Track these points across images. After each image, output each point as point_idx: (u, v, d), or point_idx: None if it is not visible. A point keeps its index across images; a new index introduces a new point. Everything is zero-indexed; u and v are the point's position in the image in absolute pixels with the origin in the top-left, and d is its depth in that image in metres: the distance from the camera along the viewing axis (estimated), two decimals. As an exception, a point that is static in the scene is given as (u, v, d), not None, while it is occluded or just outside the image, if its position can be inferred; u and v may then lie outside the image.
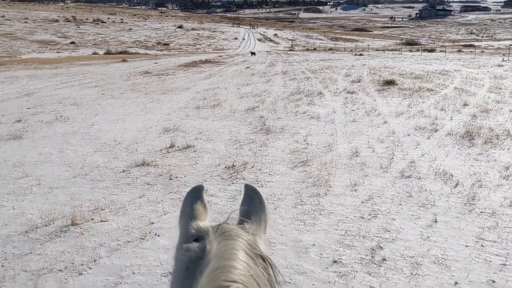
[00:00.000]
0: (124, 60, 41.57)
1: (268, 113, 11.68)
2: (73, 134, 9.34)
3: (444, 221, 4.92)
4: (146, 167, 6.96)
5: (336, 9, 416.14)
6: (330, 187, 6.03)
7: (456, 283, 3.73)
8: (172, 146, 8.17)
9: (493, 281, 3.74)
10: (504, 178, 6.35)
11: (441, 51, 64.46)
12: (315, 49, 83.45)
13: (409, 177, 6.42)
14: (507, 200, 5.51)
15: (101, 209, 5.27)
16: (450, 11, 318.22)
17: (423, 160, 7.23)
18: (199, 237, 0.95)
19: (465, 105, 12.56)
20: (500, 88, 16.39)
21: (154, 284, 3.74)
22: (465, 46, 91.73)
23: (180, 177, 6.47)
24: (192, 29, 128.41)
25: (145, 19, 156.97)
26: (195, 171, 6.73)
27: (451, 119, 10.60)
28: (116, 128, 9.92)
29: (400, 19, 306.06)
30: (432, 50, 65.91)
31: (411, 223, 4.87)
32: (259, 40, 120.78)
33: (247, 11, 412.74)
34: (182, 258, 0.90)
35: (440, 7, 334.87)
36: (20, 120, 10.98)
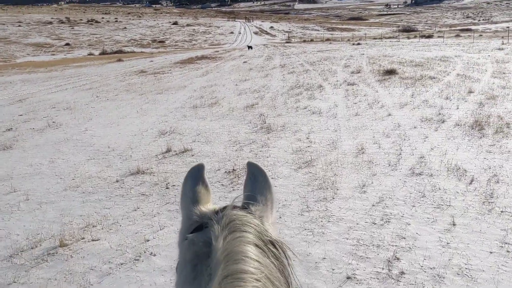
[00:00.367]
0: (119, 60, 41.10)
1: (268, 110, 11.29)
2: (65, 142, 8.96)
3: (463, 223, 4.54)
4: (141, 175, 6.58)
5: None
6: (337, 189, 5.66)
7: (484, 298, 3.36)
8: (168, 150, 7.78)
9: (526, 294, 3.38)
10: (521, 171, 5.97)
11: (439, 36, 63.91)
12: (312, 40, 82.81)
13: (420, 174, 6.04)
14: (528, 196, 5.14)
15: (93, 226, 4.90)
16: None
17: (433, 155, 6.84)
18: (203, 224, 0.89)
19: (470, 92, 12.16)
20: (504, 73, 15.98)
21: (150, 313, 3.38)
22: (462, 30, 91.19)
23: (178, 185, 6.09)
24: (187, 25, 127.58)
25: (140, 17, 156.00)
26: (193, 178, 6.35)
27: (458, 108, 10.21)
28: (110, 133, 9.54)
29: (396, 6, 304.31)
30: (430, 36, 65.37)
31: (427, 227, 4.50)
32: (255, 33, 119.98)
33: (242, 4, 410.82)
34: (188, 253, 0.85)
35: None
36: (11, 128, 10.59)
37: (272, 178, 6.03)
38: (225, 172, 6.54)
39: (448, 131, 8.25)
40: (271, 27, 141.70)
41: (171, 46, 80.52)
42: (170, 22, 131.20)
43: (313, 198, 5.41)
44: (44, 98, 16.02)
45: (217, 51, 53.70)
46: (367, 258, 3.98)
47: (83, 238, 4.60)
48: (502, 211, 4.78)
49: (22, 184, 6.44)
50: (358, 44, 50.76)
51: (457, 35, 66.36)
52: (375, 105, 11.08)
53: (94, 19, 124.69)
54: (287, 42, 79.73)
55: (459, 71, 17.34)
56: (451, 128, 8.46)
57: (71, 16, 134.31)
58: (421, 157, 6.75)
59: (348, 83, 15.42)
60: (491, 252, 3.96)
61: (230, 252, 0.76)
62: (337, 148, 7.53)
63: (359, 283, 3.61)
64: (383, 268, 3.79)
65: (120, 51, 63.73)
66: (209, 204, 1.03)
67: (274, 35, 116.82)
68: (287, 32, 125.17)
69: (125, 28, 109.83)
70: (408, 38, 67.28)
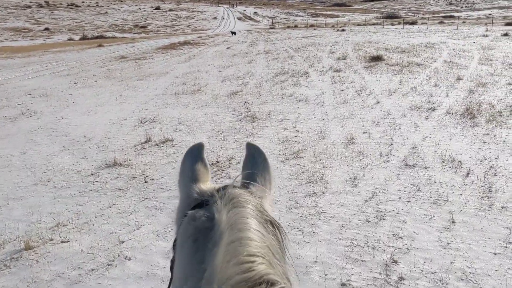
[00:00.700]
0: (100, 45, 40.14)
1: (253, 97, 10.89)
2: (39, 131, 8.46)
3: (463, 221, 4.24)
4: (118, 167, 6.15)
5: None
6: (327, 183, 5.32)
7: (492, 307, 3.06)
8: (148, 140, 7.35)
9: (537, 302, 3.09)
10: (518, 163, 5.71)
11: (422, 23, 63.91)
12: (296, 26, 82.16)
13: (413, 166, 5.73)
14: (529, 190, 4.86)
15: (63, 225, 4.48)
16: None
17: (425, 145, 6.55)
18: (203, 201, 0.88)
19: (459, 79, 11.91)
20: (491, 60, 15.80)
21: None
22: (445, 17, 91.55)
23: (157, 178, 5.69)
24: (170, 10, 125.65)
25: (121, 1, 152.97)
26: (174, 171, 5.95)
27: (447, 95, 9.94)
28: (87, 122, 9.05)
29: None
30: (413, 23, 65.33)
31: (425, 225, 4.19)
32: (239, 19, 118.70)
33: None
34: (189, 228, 0.84)
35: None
36: (-18, 117, 10.02)
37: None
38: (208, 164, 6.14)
39: (439, 119, 7.96)
40: (255, 12, 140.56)
41: (154, 32, 79.15)
42: (152, 7, 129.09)
43: (302, 193, 5.07)
44: (20, 84, 15.36)
45: (200, 37, 52.88)
46: (362, 261, 3.65)
47: (51, 240, 4.19)
48: (502, 207, 4.49)
49: (-11, 178, 5.97)
50: (343, 30, 50.41)
51: (441, 22, 66.45)
52: (363, 92, 10.76)
53: (74, 3, 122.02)
54: (271, 28, 79.00)
55: (446, 57, 17.12)
56: (442, 116, 8.17)
57: (51, 0, 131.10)
58: (413, 148, 6.44)
59: (334, 69, 15.08)
60: (495, 254, 3.67)
61: (234, 223, 0.76)
62: (326, 137, 7.19)
63: (355, 290, 3.29)
64: (380, 273, 3.47)
65: (101, 36, 62.34)
66: (208, 183, 1.02)
67: (258, 21, 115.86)
68: (271, 18, 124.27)
69: (106, 12, 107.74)
70: (392, 24, 67.16)
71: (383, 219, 4.34)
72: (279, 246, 0.80)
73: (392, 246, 3.85)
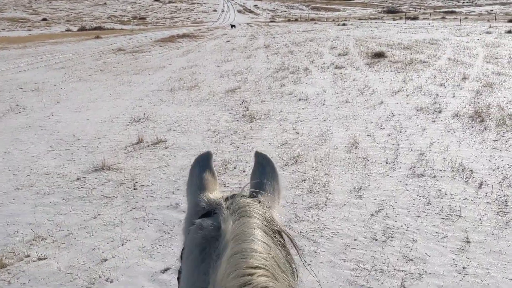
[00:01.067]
0: (97, 37, 39.69)
1: (251, 95, 10.49)
2: (27, 129, 8.06)
3: (478, 240, 3.88)
4: (106, 172, 5.76)
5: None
6: (330, 193, 4.94)
7: None
8: (140, 141, 6.96)
9: None
10: (534, 173, 5.34)
11: (424, 18, 63.43)
12: (296, 20, 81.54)
13: (422, 175, 5.36)
14: (548, 205, 4.49)
15: (42, 239, 4.10)
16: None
17: (433, 151, 6.17)
18: (211, 211, 0.90)
19: (465, 78, 11.52)
20: (496, 58, 15.41)
21: None
22: (447, 12, 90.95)
23: (147, 185, 5.31)
24: (170, 1, 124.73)
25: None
26: (166, 176, 5.57)
27: (454, 96, 9.56)
28: (78, 119, 8.65)
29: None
30: (415, 18, 64.85)
31: (437, 245, 3.82)
32: (239, 11, 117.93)
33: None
34: (196, 237, 0.85)
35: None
36: (-31, 112, 9.62)
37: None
38: (202, 169, 5.76)
39: (446, 122, 7.59)
40: (255, 5, 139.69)
41: (153, 23, 78.48)
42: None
43: (302, 205, 4.69)
44: (12, 77, 14.93)
45: (200, 29, 52.37)
46: (369, 288, 3.28)
47: (27, 256, 3.81)
48: (521, 225, 4.13)
49: (-32, 182, 5.59)
50: (344, 24, 49.93)
51: (443, 18, 65.90)
52: (366, 91, 10.37)
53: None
54: (271, 21, 78.41)
55: (449, 55, 16.72)
56: (449, 119, 7.80)
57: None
58: (421, 154, 6.07)
59: (336, 66, 14.67)
60: (517, 282, 3.30)
61: (239, 233, 0.75)
62: (327, 141, 6.81)
63: (363, 326, 2.92)
64: (390, 304, 3.11)
65: (99, 28, 61.77)
66: (216, 192, 1.01)
67: (258, 14, 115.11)
68: (271, 11, 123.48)
69: (105, 3, 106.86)
70: (394, 19, 66.65)
71: (392, 237, 3.97)
72: (286, 258, 0.79)
73: (403, 271, 3.48)
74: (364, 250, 3.79)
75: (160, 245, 3.94)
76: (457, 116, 7.94)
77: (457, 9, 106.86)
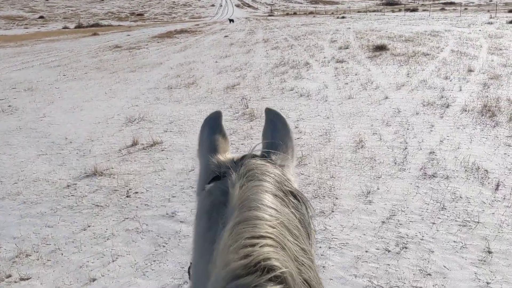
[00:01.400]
0: (95, 34, 39.25)
1: (251, 91, 10.15)
2: (17, 131, 7.73)
3: (500, 250, 3.55)
4: (99, 178, 5.44)
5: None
6: (336, 198, 4.62)
7: None
8: (134, 144, 6.63)
9: None
10: (554, 172, 5.01)
11: (423, 10, 62.97)
12: (295, 13, 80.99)
13: (433, 176, 5.03)
14: None
15: (26, 255, 3.78)
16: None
17: (444, 150, 5.84)
18: (221, 174, 0.85)
19: (470, 71, 11.18)
20: (501, 49, 15.05)
21: None
22: (446, 4, 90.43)
23: (141, 192, 4.98)
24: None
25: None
26: (161, 182, 5.24)
27: (461, 89, 9.21)
28: (71, 120, 8.32)
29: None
30: (414, 10, 64.38)
31: (456, 257, 3.50)
32: (237, 6, 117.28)
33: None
34: (205, 204, 0.83)
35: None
36: (-41, 114, 9.28)
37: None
38: (200, 173, 5.43)
39: (455, 118, 7.25)
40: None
41: (150, 19, 77.95)
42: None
43: (308, 212, 4.37)
44: (6, 76, 14.57)
45: (198, 25, 51.92)
46: (385, 309, 2.97)
47: (9, 277, 3.49)
48: (545, 231, 3.80)
49: (-49, 191, 5.26)
50: (343, 17, 49.49)
51: (442, 9, 65.48)
52: (369, 86, 10.03)
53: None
54: (269, 15, 77.91)
55: (452, 47, 16.36)
56: (458, 114, 7.46)
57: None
58: (431, 153, 5.74)
59: (337, 60, 14.31)
60: (548, 299, 2.99)
61: (245, 199, 0.72)
62: (332, 140, 6.47)
63: None
64: (409, 328, 2.79)
65: (96, 25, 61.30)
66: (228, 153, 0.98)
67: (257, 8, 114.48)
68: (269, 4, 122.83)
69: (102, 0, 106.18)
70: (393, 11, 66.15)
71: (406, 248, 3.65)
72: (300, 220, 0.73)
73: (420, 287, 3.16)
74: (377, 264, 3.46)
75: (154, 261, 3.61)
76: (466, 111, 7.60)
77: (456, 0, 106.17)
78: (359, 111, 7.97)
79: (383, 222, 4.09)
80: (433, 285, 3.18)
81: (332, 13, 69.95)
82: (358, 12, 70.97)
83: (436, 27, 26.27)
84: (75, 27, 57.58)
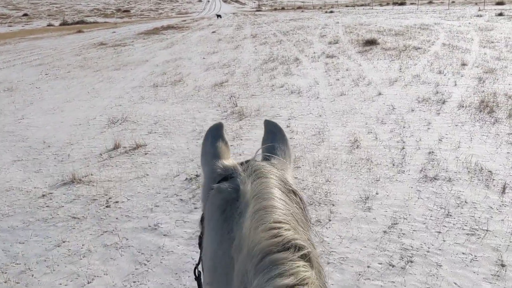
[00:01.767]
0: (79, 31, 38.51)
1: (240, 89, 9.78)
2: (-7, 135, 7.31)
3: (514, 262, 3.25)
4: (76, 185, 5.05)
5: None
6: (333, 205, 4.28)
7: None
8: (116, 147, 6.24)
9: None
10: (561, 172, 4.72)
11: (411, 3, 62.85)
12: (283, 8, 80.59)
13: (435, 179, 4.72)
14: None
15: (-8, 278, 3.41)
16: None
17: (444, 149, 5.54)
18: (228, 175, 0.93)
19: (464, 65, 10.92)
20: (492, 42, 14.84)
21: None
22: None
23: (122, 201, 4.61)
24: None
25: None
26: (144, 189, 4.87)
27: (456, 84, 8.93)
28: (50, 122, 7.90)
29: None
30: (402, 3, 64.23)
31: (467, 271, 3.19)
32: (224, 1, 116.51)
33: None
34: (216, 200, 0.88)
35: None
36: None
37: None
38: (186, 179, 5.06)
39: (452, 114, 6.96)
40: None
41: (137, 16, 77.04)
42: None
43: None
44: (-15, 76, 14.04)
45: (185, 20, 51.34)
46: (393, 337, 2.64)
47: (-30, 304, 3.12)
48: (560, 240, 3.51)
49: None
50: (331, 12, 49.22)
51: (430, 2, 65.45)
52: (361, 82, 9.71)
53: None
54: (257, 11, 77.41)
55: (443, 40, 16.13)
56: (455, 110, 7.17)
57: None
58: (430, 153, 5.43)
59: (327, 55, 13.98)
60: None
61: (258, 192, 0.78)
62: (325, 140, 6.14)
63: None
64: None
65: (82, 22, 60.26)
66: (230, 159, 1.04)
67: (244, 3, 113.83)
68: (257, 0, 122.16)
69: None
70: (381, 5, 66.05)
71: (411, 262, 3.33)
72: (303, 214, 0.81)
73: (430, 309, 2.84)
74: (381, 281, 3.14)
75: (134, 282, 3.26)
76: (463, 107, 7.32)
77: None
78: (352, 108, 7.66)
79: (384, 231, 3.76)
80: (444, 306, 2.86)
81: (320, 7, 69.63)
82: (346, 6, 70.73)
83: (425, 21, 26.05)
84: (60, 25, 56.52)
